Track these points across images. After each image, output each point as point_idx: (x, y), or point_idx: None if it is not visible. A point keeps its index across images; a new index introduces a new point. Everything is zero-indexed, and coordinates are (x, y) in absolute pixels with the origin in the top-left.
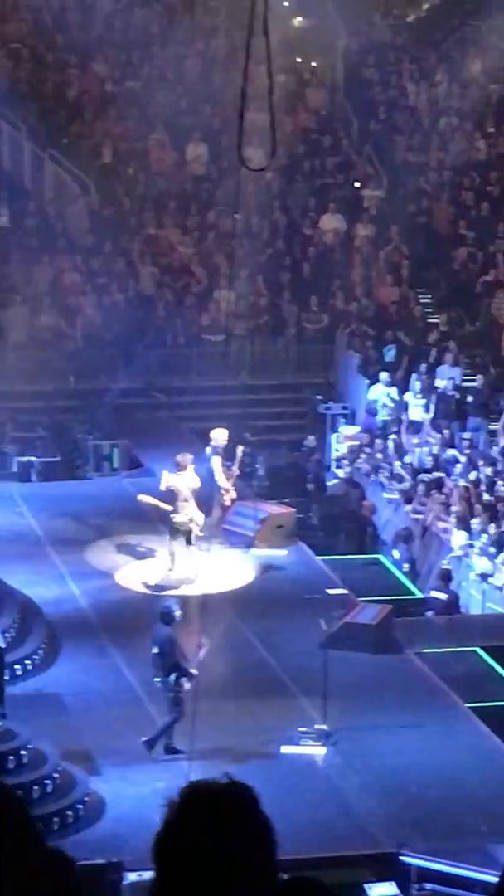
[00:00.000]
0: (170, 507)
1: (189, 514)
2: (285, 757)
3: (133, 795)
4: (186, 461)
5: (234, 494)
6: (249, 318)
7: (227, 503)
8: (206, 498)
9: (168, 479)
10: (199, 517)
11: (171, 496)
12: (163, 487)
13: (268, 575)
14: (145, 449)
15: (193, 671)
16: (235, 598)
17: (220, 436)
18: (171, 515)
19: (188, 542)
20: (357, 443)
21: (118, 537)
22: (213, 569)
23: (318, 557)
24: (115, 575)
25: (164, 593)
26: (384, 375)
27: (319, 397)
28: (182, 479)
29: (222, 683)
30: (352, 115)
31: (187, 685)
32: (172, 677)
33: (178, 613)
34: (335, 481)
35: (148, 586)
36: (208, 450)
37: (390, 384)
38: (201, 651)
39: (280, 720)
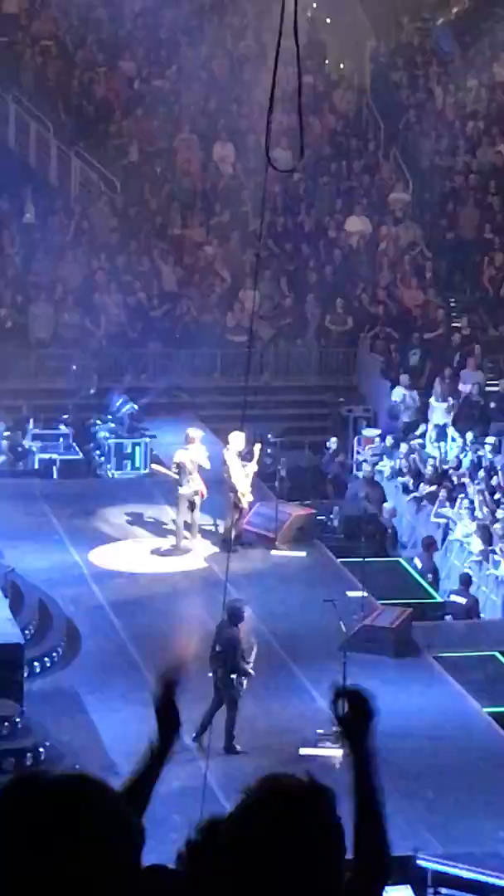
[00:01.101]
0: (176, 476)
1: (194, 486)
2: (304, 758)
3: None
4: (195, 435)
5: (250, 497)
6: (273, 320)
7: (245, 506)
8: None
9: (178, 456)
10: (204, 489)
11: (180, 469)
12: (174, 461)
13: (288, 576)
14: (167, 448)
15: (251, 671)
16: (255, 599)
17: (236, 440)
18: (178, 487)
19: (191, 509)
20: (379, 445)
21: (137, 536)
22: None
23: (338, 560)
24: (126, 569)
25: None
26: (405, 378)
27: (342, 400)
28: (189, 454)
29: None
30: (379, 117)
31: (245, 685)
32: (233, 677)
33: (246, 615)
34: (354, 482)
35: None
36: (225, 452)
37: (412, 387)
38: (253, 651)
39: (299, 721)
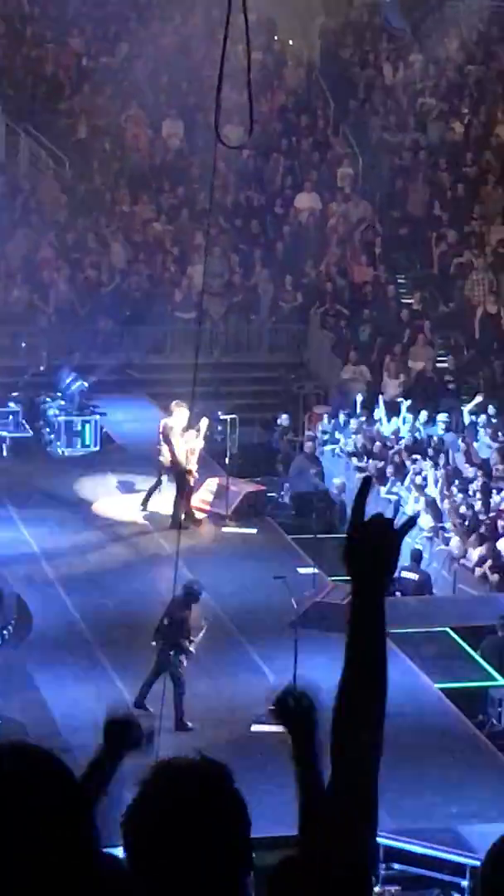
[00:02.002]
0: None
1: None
2: (256, 735)
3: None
4: (177, 407)
5: (195, 475)
6: (224, 297)
7: (191, 483)
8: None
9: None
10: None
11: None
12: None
13: (239, 553)
14: (117, 426)
15: (192, 650)
16: (206, 576)
17: (179, 414)
18: (159, 457)
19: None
20: (329, 422)
21: (92, 513)
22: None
23: (288, 536)
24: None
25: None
26: (355, 355)
27: (292, 376)
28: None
29: (192, 662)
30: (328, 94)
31: (185, 663)
32: (172, 653)
33: (202, 595)
34: (297, 458)
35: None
36: (167, 425)
37: (362, 364)
38: (201, 632)
39: (250, 699)
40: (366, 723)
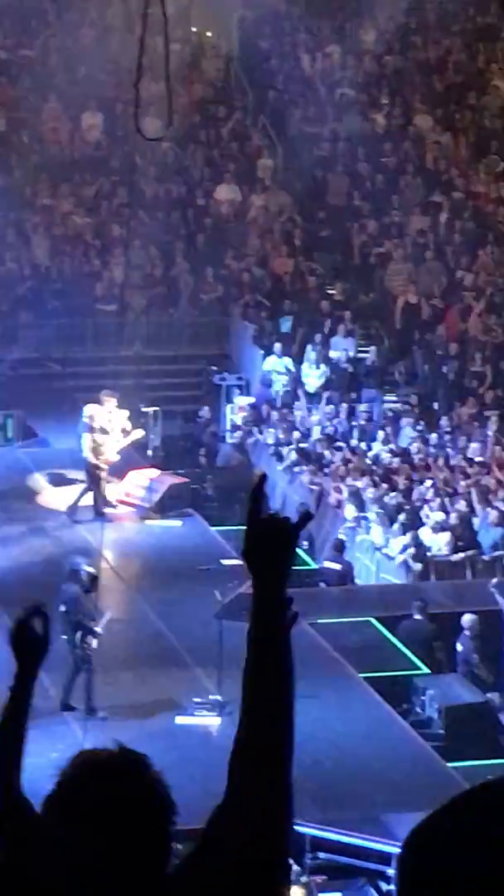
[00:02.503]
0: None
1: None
2: (180, 727)
3: (25, 765)
4: (106, 397)
5: (105, 468)
6: (144, 289)
7: (104, 475)
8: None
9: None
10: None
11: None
12: (96, 425)
13: (163, 546)
14: (39, 419)
15: (98, 629)
16: (131, 568)
17: (94, 410)
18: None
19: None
20: (251, 413)
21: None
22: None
23: (212, 528)
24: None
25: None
26: (278, 346)
27: (214, 368)
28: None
29: (118, 653)
30: (247, 85)
31: (94, 643)
32: (78, 635)
33: (84, 573)
34: (223, 448)
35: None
36: (81, 425)
37: (284, 355)
38: (106, 615)
39: (175, 690)
40: (274, 712)
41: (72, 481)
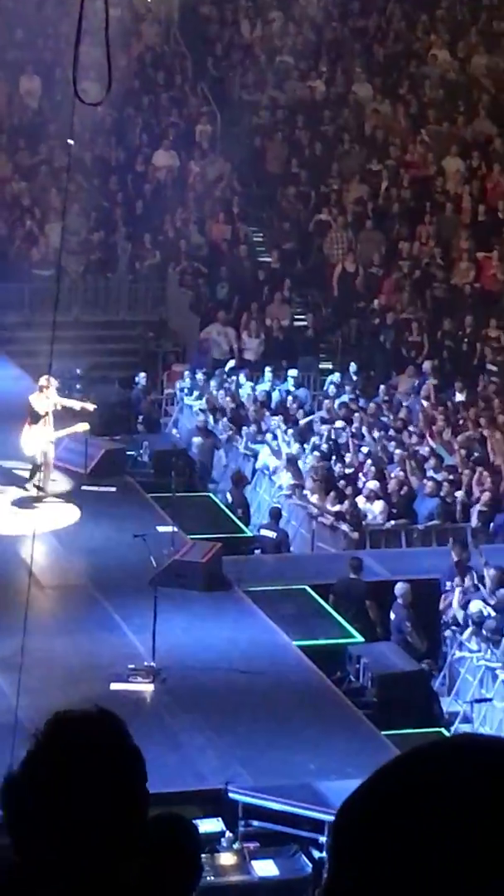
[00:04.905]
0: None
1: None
2: (115, 694)
3: None
4: (48, 383)
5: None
6: (81, 254)
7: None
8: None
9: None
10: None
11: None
12: (41, 412)
13: (98, 512)
14: None
15: None
16: (65, 534)
17: (34, 399)
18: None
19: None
20: (188, 380)
21: None
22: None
23: (148, 495)
24: None
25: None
26: (220, 314)
27: (151, 335)
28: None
29: (52, 621)
30: (187, 51)
31: None
32: None
33: None
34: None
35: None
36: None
37: (221, 322)
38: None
39: (110, 657)
40: None
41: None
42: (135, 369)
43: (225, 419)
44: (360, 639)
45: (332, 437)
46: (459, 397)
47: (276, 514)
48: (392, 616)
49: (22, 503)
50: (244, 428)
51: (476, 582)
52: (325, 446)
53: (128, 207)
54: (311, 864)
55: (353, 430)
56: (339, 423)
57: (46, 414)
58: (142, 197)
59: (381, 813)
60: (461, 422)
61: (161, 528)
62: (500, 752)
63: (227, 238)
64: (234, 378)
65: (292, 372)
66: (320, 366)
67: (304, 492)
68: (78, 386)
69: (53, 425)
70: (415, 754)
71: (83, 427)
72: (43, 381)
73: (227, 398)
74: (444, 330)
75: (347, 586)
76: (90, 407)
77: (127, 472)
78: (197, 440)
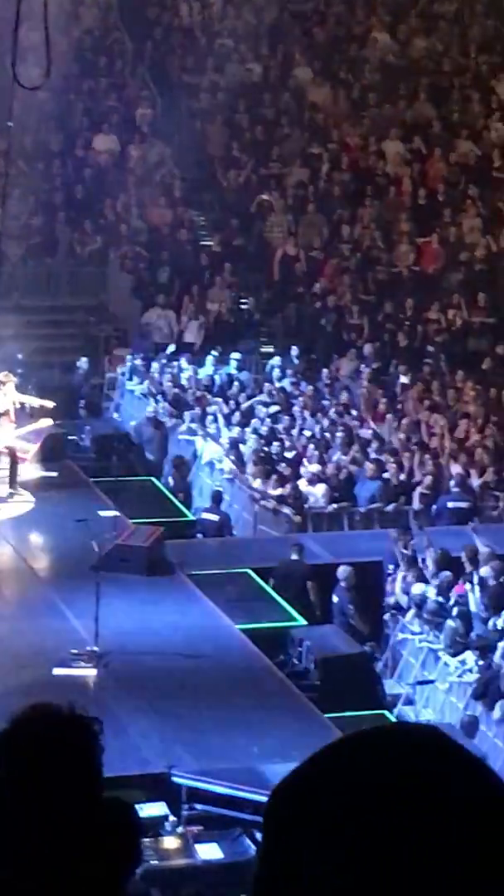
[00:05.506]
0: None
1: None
2: (58, 678)
3: None
4: (6, 379)
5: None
6: (21, 238)
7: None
8: None
9: None
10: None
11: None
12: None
13: (39, 496)
14: None
15: None
16: (7, 519)
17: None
18: None
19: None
20: (129, 364)
21: None
22: None
23: (89, 479)
24: None
25: None
26: (161, 298)
27: (92, 319)
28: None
29: None
30: (126, 35)
31: None
32: None
33: None
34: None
35: None
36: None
37: (163, 306)
38: None
39: (52, 642)
40: None
41: None
42: (76, 354)
43: (166, 403)
44: (302, 622)
45: (274, 420)
46: (404, 380)
47: (217, 498)
48: (335, 599)
49: None
50: (186, 412)
51: (420, 565)
52: (266, 430)
53: (68, 192)
54: (254, 847)
55: (295, 414)
56: (281, 407)
57: (6, 412)
58: (82, 181)
59: (309, 798)
60: (402, 404)
61: (103, 513)
62: (429, 743)
63: (168, 222)
64: (175, 362)
65: (234, 355)
66: (262, 349)
67: (246, 475)
68: (20, 370)
69: (16, 421)
70: (346, 741)
71: (47, 422)
72: (1, 376)
73: (169, 382)
74: (386, 313)
75: (289, 568)
76: (49, 404)
77: (69, 456)
78: (147, 432)
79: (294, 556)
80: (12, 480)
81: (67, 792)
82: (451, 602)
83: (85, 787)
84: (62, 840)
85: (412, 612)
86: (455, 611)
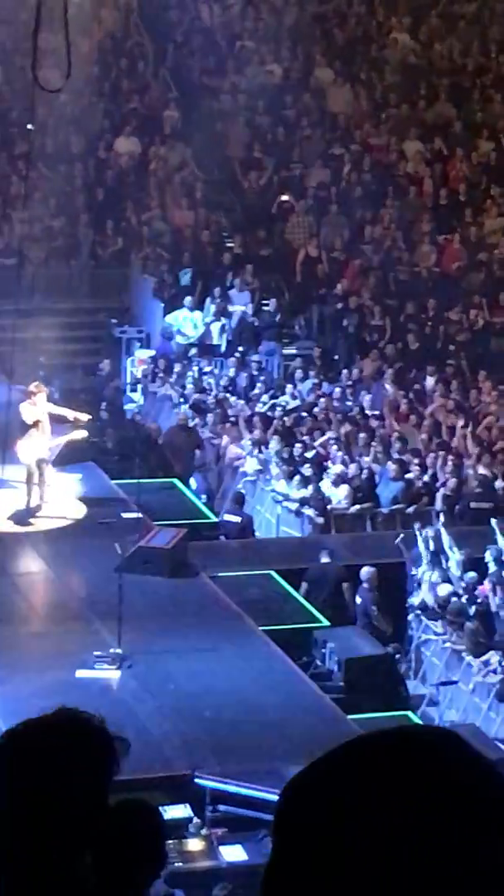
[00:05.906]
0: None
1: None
2: (81, 681)
3: None
4: (38, 389)
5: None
6: (44, 241)
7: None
8: None
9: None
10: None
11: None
12: (29, 421)
13: (63, 499)
14: None
15: None
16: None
17: (25, 409)
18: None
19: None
20: (151, 367)
21: None
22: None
23: (112, 481)
24: None
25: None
26: (188, 300)
27: (115, 321)
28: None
29: (17, 609)
30: (147, 37)
31: None
32: None
33: None
34: (132, 406)
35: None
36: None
37: (193, 309)
38: None
39: (76, 644)
40: None
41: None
42: (98, 356)
43: (188, 405)
44: (325, 623)
45: (296, 422)
46: (430, 381)
47: (239, 499)
48: (358, 600)
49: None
50: (208, 414)
51: (445, 566)
52: (288, 431)
53: (90, 194)
54: None
55: (317, 415)
56: (303, 408)
57: (37, 423)
58: (104, 183)
59: (319, 796)
60: (424, 405)
61: (126, 515)
62: (442, 746)
63: (189, 224)
64: (197, 365)
65: (256, 357)
66: (284, 351)
67: (268, 477)
68: (42, 373)
69: (50, 433)
70: (358, 742)
71: (81, 434)
72: (32, 387)
73: (191, 384)
74: (408, 314)
75: (321, 570)
76: (84, 417)
77: (92, 458)
78: (154, 426)
79: (325, 559)
80: (42, 492)
81: (70, 797)
82: (472, 602)
83: (88, 795)
84: (70, 843)
85: (436, 612)
86: (473, 610)
